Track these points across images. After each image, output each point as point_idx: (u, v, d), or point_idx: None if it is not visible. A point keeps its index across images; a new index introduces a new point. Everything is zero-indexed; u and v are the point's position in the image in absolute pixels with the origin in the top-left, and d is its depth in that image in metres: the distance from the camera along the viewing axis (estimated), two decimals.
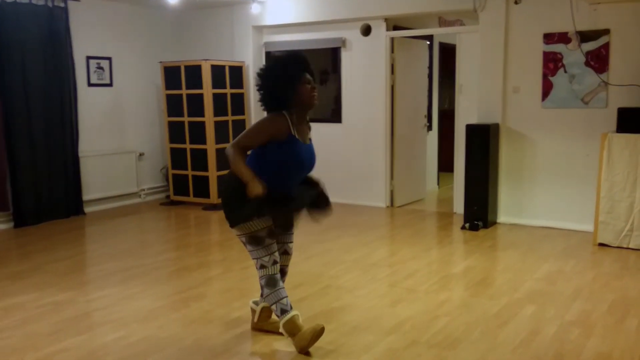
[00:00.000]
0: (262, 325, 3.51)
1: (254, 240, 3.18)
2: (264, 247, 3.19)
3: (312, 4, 7.24)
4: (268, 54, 7.96)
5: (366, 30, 7.15)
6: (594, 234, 5.39)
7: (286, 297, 3.25)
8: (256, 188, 2.99)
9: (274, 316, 3.42)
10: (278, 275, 3.24)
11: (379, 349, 3.28)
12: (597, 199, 5.35)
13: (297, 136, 3.17)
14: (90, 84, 7.21)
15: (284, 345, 3.35)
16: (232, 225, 3.21)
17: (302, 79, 3.17)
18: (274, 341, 3.40)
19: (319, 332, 3.17)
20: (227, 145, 3.18)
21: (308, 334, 3.16)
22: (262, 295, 3.38)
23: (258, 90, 3.26)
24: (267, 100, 3.23)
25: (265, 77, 3.22)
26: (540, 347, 3.28)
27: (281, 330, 3.25)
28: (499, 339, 3.40)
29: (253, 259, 3.24)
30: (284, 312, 3.21)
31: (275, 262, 3.22)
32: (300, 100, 3.18)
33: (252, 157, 3.18)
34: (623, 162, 5.19)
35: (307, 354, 3.18)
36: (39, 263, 5.07)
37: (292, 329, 3.21)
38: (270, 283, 3.21)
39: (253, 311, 3.52)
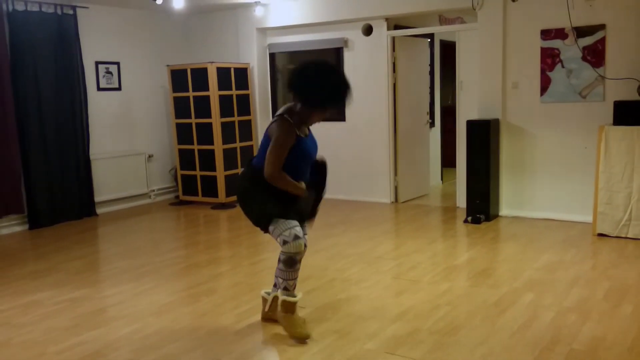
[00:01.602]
0: (273, 315, 3.66)
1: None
2: (284, 222, 3.33)
3: (314, 6, 7.39)
4: (273, 56, 8.12)
5: (368, 30, 7.29)
6: (593, 224, 5.52)
7: (295, 279, 3.42)
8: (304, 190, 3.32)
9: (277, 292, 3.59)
10: (298, 257, 3.35)
11: (383, 335, 3.44)
12: (595, 191, 5.47)
13: (301, 135, 3.35)
14: (99, 89, 7.40)
15: None
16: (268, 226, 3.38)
17: (325, 107, 3.32)
18: (283, 330, 3.55)
19: (304, 338, 3.37)
20: (265, 173, 3.25)
21: (297, 334, 3.37)
22: (274, 285, 3.55)
23: (299, 77, 3.32)
24: (302, 93, 3.30)
25: (320, 81, 3.27)
26: (537, 332, 3.43)
27: (279, 299, 3.44)
28: (498, 325, 3.54)
29: (277, 235, 3.35)
30: (286, 289, 3.41)
31: (296, 237, 3.31)
32: (307, 117, 3.35)
33: (262, 152, 3.35)
34: (620, 154, 5.32)
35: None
36: (55, 262, 5.25)
37: (291, 309, 3.41)
38: (289, 261, 3.35)
39: (264, 300, 3.68)
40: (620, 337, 3.32)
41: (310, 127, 3.53)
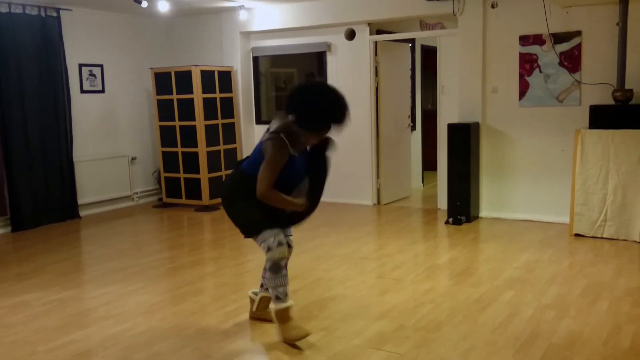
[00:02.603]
0: (260, 314, 3.74)
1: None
2: (268, 230, 3.35)
3: (298, 10, 7.48)
4: (257, 59, 8.19)
5: (350, 35, 7.40)
6: (570, 225, 5.68)
7: (285, 286, 3.40)
8: (302, 205, 3.32)
9: (271, 305, 3.65)
10: (283, 262, 3.36)
11: (369, 332, 3.53)
12: (572, 192, 5.64)
13: (294, 154, 3.32)
14: (82, 91, 7.41)
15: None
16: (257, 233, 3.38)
17: (324, 130, 3.32)
18: (271, 328, 3.62)
19: (303, 336, 3.36)
20: (258, 192, 3.22)
21: (294, 335, 3.35)
22: (261, 285, 3.62)
23: (300, 100, 3.31)
24: (300, 114, 3.26)
25: (319, 104, 3.27)
26: (517, 327, 3.55)
27: (273, 315, 3.47)
28: (480, 321, 3.66)
29: (261, 242, 3.36)
30: (278, 299, 3.39)
31: (280, 244, 3.33)
32: (305, 138, 3.32)
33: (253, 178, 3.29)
34: (596, 156, 5.49)
35: (293, 346, 3.37)
36: (40, 264, 5.26)
37: (284, 318, 3.40)
38: (274, 268, 3.36)
39: (252, 300, 3.75)
40: (596, 331, 3.46)
41: None
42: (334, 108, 3.28)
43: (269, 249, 3.34)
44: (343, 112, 3.32)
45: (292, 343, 3.37)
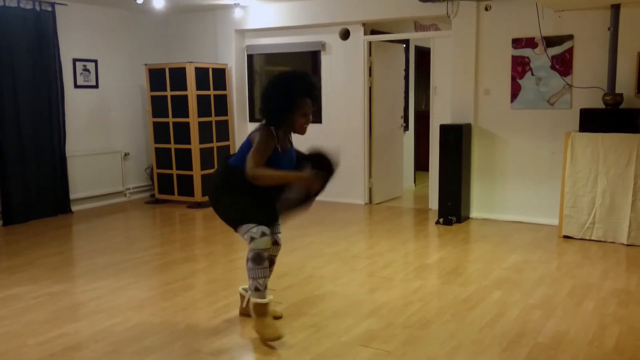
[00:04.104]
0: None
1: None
2: (251, 221, 3.35)
3: (293, 9, 7.51)
4: (251, 57, 8.22)
5: (345, 35, 7.44)
6: (559, 227, 5.74)
7: (265, 277, 3.39)
8: (305, 176, 3.22)
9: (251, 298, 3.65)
10: (266, 254, 3.36)
11: (358, 330, 3.57)
12: (561, 195, 5.70)
13: (280, 150, 3.35)
14: (76, 86, 7.41)
15: None
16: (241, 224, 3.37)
17: (300, 105, 3.28)
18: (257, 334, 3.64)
19: (275, 338, 3.35)
20: (247, 172, 3.20)
21: (267, 334, 3.34)
22: None
23: (261, 101, 3.40)
24: (265, 113, 3.35)
25: (268, 93, 3.34)
26: (504, 326, 3.59)
27: (250, 307, 3.43)
28: (467, 320, 3.70)
29: (243, 232, 3.35)
30: (257, 290, 3.37)
31: (263, 234, 3.32)
32: (291, 126, 3.36)
33: (239, 170, 3.32)
34: (585, 159, 5.55)
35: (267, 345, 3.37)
36: (31, 258, 5.26)
37: (262, 312, 3.39)
38: (256, 259, 3.35)
39: (242, 297, 3.77)
40: (581, 331, 3.51)
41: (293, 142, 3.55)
42: (285, 81, 3.33)
43: (252, 239, 3.33)
44: (301, 82, 3.33)
45: (265, 342, 3.36)
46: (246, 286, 3.78)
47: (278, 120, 3.32)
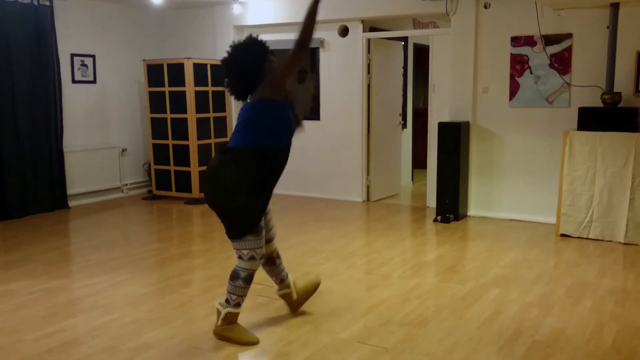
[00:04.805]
0: (298, 292, 3.72)
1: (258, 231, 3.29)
2: (259, 237, 3.27)
3: (292, 5, 7.49)
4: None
5: (344, 32, 7.43)
6: (557, 225, 5.74)
7: (245, 296, 3.36)
8: None
9: (297, 282, 3.73)
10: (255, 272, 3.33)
11: (355, 327, 3.57)
12: (559, 193, 5.70)
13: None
14: (74, 81, 7.38)
15: (267, 322, 3.62)
16: (248, 232, 3.24)
17: (268, 59, 3.29)
18: (259, 320, 3.65)
19: (255, 343, 3.32)
20: (298, 54, 3.19)
21: (246, 339, 3.33)
22: (282, 281, 3.65)
23: (225, 78, 3.35)
24: (236, 87, 3.32)
25: (231, 64, 3.29)
26: (502, 324, 3.60)
27: (223, 313, 3.35)
28: (465, 318, 3.70)
29: (246, 249, 3.25)
30: (237, 306, 3.34)
31: (263, 256, 3.34)
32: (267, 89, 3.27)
33: (264, 135, 3.21)
34: (583, 158, 5.55)
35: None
36: (28, 254, 5.24)
37: (233, 320, 3.35)
38: (249, 279, 3.32)
39: (219, 312, 3.48)
40: (579, 329, 3.51)
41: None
42: (246, 49, 3.33)
43: (252, 258, 3.26)
44: (258, 44, 3.36)
45: (240, 342, 3.32)
46: (223, 301, 3.46)
47: (255, 83, 3.28)
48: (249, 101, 3.35)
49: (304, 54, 3.27)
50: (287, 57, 3.21)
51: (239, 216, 3.23)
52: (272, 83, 3.25)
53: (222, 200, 3.23)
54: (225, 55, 3.37)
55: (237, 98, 3.43)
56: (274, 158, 3.26)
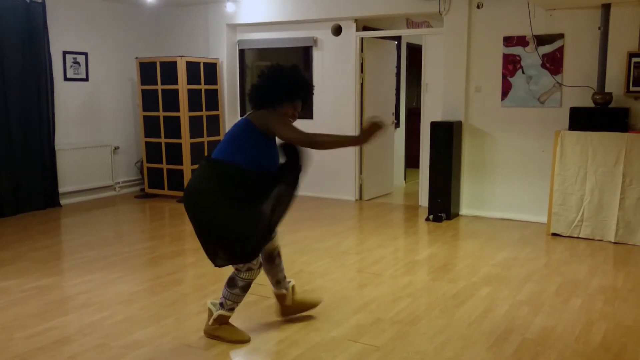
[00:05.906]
0: (295, 300, 3.66)
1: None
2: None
3: (285, 4, 7.50)
4: (242, 52, 8.19)
5: (337, 30, 7.44)
6: (548, 224, 5.78)
7: (239, 303, 3.37)
8: (361, 138, 3.33)
9: (297, 293, 3.69)
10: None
11: (347, 325, 3.58)
12: (550, 192, 5.73)
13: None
14: (66, 79, 7.35)
15: (258, 320, 3.63)
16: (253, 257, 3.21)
17: (296, 102, 3.30)
18: (250, 318, 3.66)
19: (247, 341, 3.34)
20: (304, 139, 3.15)
21: (238, 337, 3.34)
22: (281, 284, 3.60)
23: (259, 79, 3.32)
24: (257, 97, 3.29)
25: (271, 77, 3.29)
26: (492, 322, 3.62)
27: (215, 314, 3.35)
28: (456, 316, 3.72)
29: (242, 262, 3.23)
30: (230, 310, 3.34)
31: (260, 266, 3.32)
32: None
33: (245, 157, 3.15)
34: (574, 157, 5.59)
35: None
36: (20, 252, 5.23)
37: (224, 321, 3.36)
38: (247, 288, 3.31)
39: (209, 313, 3.49)
40: (568, 328, 3.54)
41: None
42: (295, 80, 3.32)
43: (249, 269, 3.24)
44: (306, 86, 3.36)
45: (234, 341, 3.34)
46: (216, 301, 3.47)
47: (270, 106, 3.26)
48: (247, 117, 3.27)
49: (308, 146, 3.26)
50: (300, 131, 3.16)
51: (226, 229, 3.12)
52: (274, 124, 3.17)
53: (202, 210, 3.15)
54: (273, 66, 3.36)
55: (256, 105, 3.35)
56: (250, 180, 3.16)
